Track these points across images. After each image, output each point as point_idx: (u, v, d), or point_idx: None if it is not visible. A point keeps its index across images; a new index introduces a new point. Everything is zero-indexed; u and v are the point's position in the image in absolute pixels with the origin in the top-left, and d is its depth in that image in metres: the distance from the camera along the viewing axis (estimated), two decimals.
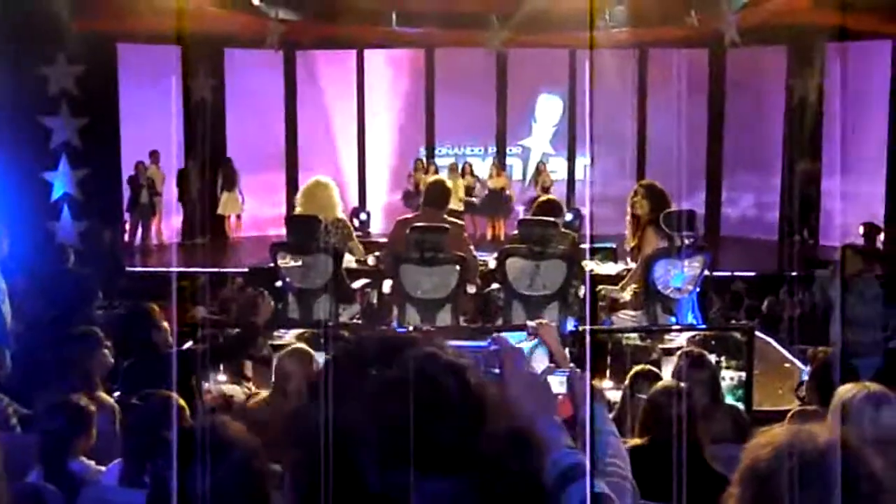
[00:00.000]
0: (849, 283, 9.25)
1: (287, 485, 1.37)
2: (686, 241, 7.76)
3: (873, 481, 1.88)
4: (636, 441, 4.11)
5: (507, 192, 18.40)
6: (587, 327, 6.98)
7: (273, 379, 5.90)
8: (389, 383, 1.29)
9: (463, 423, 1.29)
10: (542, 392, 1.97)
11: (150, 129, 16.31)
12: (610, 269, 9.28)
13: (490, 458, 1.29)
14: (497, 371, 1.92)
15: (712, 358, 6.19)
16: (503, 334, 2.20)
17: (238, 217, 18.28)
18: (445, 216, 8.57)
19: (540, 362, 6.91)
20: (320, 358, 7.31)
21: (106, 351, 6.20)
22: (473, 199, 18.07)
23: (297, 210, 8.73)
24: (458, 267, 7.99)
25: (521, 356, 1.92)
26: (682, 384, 4.41)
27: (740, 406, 6.29)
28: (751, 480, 1.94)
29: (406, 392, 1.27)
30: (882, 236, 15.77)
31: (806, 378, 7.15)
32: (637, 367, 5.65)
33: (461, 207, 16.54)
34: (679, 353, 6.00)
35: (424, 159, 19.06)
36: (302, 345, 6.19)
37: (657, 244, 8.03)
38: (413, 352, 1.33)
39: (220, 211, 17.93)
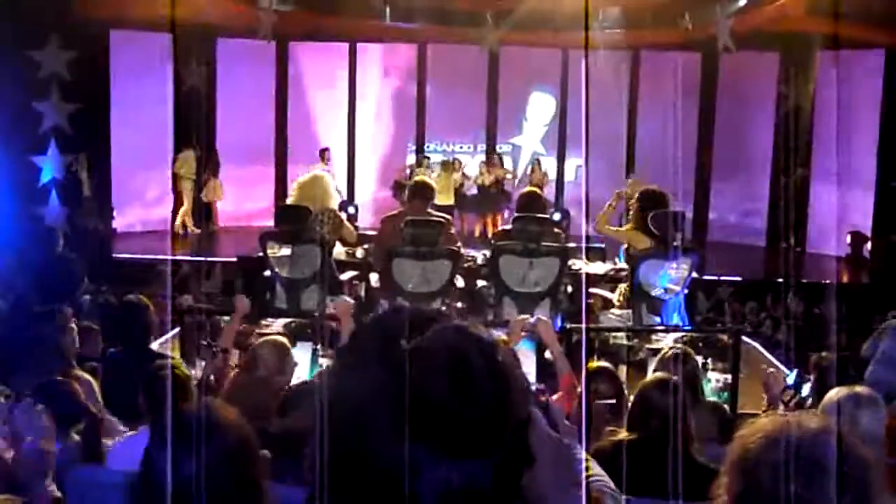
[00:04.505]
0: None
1: (307, 451, 1.37)
2: (674, 242, 7.78)
3: (864, 465, 1.90)
4: (626, 435, 4.12)
5: (505, 186, 18.27)
6: (583, 326, 7.00)
7: (246, 359, 5.99)
8: (415, 350, 1.27)
9: (487, 400, 1.26)
10: None
11: (141, 116, 16.27)
12: (598, 268, 9.32)
13: (511, 439, 1.29)
14: None
15: (698, 359, 6.21)
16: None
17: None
18: (431, 211, 8.64)
19: (527, 358, 6.90)
20: (305, 348, 7.37)
21: (73, 326, 6.24)
22: (463, 193, 18.08)
23: (290, 200, 8.72)
24: (449, 261, 8.01)
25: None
26: (675, 377, 4.41)
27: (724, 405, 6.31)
28: (742, 469, 1.95)
29: (431, 359, 1.26)
30: (868, 245, 15.86)
31: (790, 383, 7.21)
32: (593, 365, 5.61)
33: (451, 202, 16.58)
34: (662, 352, 6.00)
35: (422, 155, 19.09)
36: (281, 338, 6.22)
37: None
38: (443, 324, 1.31)
39: (205, 198, 17.86)
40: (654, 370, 5.70)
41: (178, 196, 17.47)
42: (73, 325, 6.27)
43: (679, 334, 7.54)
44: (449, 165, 18.17)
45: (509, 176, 18.58)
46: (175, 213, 17.39)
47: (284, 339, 6.13)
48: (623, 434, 4.12)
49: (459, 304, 8.18)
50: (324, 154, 18.08)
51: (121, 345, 6.29)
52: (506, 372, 1.30)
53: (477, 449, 1.25)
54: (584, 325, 7.11)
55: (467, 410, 1.24)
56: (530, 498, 1.34)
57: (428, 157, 18.77)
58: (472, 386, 1.26)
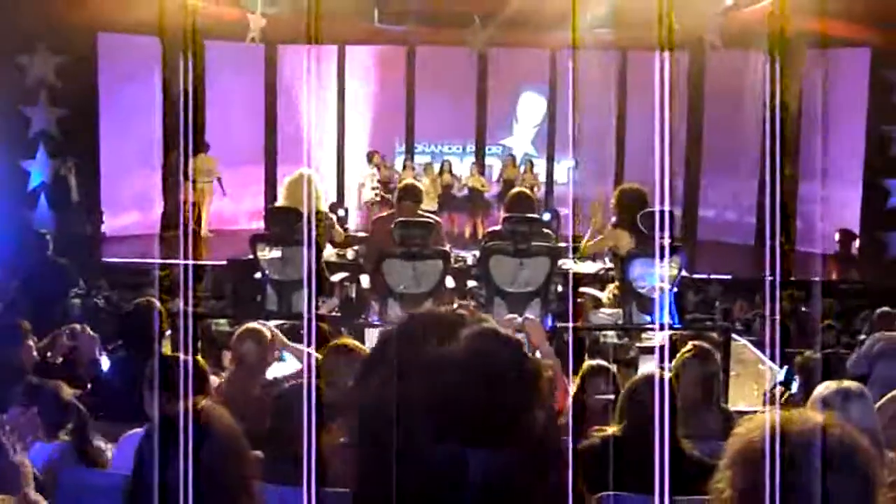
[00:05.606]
0: None
1: (348, 457, 1.43)
2: (662, 241, 7.80)
3: (866, 457, 1.91)
4: (614, 430, 4.13)
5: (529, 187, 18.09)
6: (569, 325, 7.01)
7: (231, 359, 6.02)
8: (450, 358, 1.35)
9: (518, 398, 1.36)
10: None
11: (130, 120, 16.23)
12: (588, 267, 9.34)
13: (542, 433, 1.36)
14: None
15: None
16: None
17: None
18: (421, 212, 8.68)
19: None
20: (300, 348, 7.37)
21: (31, 343, 6.21)
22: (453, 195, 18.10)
23: (280, 202, 8.74)
24: (440, 261, 8.02)
25: None
26: (664, 374, 4.41)
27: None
28: (743, 463, 1.95)
29: (466, 367, 1.34)
30: (857, 242, 15.92)
31: (780, 380, 7.24)
32: (589, 364, 5.60)
33: (435, 206, 16.57)
34: (689, 344, 5.85)
35: (402, 157, 19.06)
36: (254, 324, 6.22)
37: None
38: (470, 328, 1.38)
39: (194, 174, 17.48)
40: (674, 366, 5.60)
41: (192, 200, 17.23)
42: (31, 342, 6.24)
43: (670, 332, 7.55)
44: (431, 168, 18.14)
45: (537, 185, 18.51)
46: (165, 216, 17.31)
47: (260, 326, 6.13)
48: (612, 429, 4.13)
49: (455, 305, 8.16)
50: (372, 157, 17.99)
51: (130, 347, 6.28)
52: (533, 369, 1.40)
53: (512, 441, 1.34)
54: (570, 324, 7.12)
55: (502, 408, 1.34)
56: None
57: (411, 159, 18.71)
58: (505, 387, 1.35)
